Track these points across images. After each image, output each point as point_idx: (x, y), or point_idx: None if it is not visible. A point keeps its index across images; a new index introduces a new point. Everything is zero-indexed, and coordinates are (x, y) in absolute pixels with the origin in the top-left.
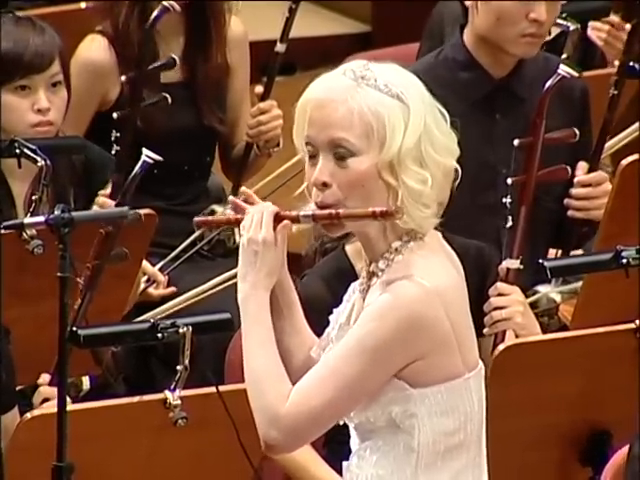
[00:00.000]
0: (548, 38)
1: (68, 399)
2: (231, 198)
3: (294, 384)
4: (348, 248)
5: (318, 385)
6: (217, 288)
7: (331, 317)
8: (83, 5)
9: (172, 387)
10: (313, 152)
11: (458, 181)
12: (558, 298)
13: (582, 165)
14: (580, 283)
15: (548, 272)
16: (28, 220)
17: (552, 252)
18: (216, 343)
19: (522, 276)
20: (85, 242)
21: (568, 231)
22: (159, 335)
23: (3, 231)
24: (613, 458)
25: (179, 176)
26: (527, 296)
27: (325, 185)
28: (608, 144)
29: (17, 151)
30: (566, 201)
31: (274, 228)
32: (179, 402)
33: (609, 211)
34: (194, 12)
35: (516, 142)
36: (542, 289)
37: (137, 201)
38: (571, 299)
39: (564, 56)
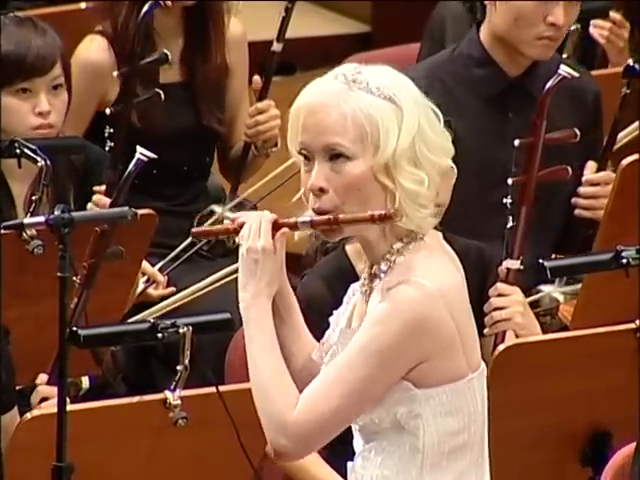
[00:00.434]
0: None
1: (68, 399)
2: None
3: (297, 387)
4: (348, 248)
5: (325, 392)
6: (215, 285)
7: (331, 319)
8: (83, 5)
9: (172, 387)
10: (308, 158)
11: (466, 179)
12: (561, 298)
13: (591, 164)
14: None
15: (548, 272)
16: (28, 220)
17: None
18: (216, 343)
19: (526, 277)
20: (82, 241)
21: (574, 233)
22: (159, 335)
23: (3, 231)
24: (613, 458)
25: (178, 176)
26: (530, 295)
27: (322, 190)
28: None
29: (17, 151)
30: (574, 200)
31: (272, 236)
32: (179, 402)
33: (609, 211)
34: (193, 13)
35: (517, 142)
36: (545, 288)
37: (136, 201)
38: (573, 299)
39: (564, 56)
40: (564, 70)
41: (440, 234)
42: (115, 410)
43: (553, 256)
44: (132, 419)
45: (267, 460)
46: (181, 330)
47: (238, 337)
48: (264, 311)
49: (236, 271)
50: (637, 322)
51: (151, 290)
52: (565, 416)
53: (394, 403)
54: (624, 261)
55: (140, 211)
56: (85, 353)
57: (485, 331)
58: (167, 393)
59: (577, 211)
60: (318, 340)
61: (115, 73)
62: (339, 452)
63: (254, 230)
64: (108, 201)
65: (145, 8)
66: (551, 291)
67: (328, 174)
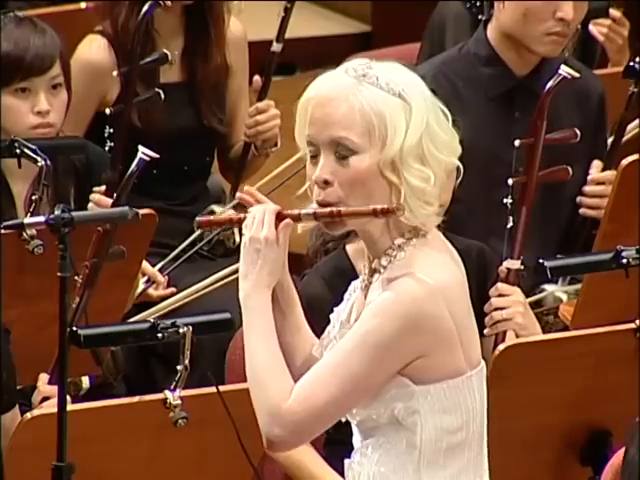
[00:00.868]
0: None
1: (68, 399)
2: (240, 195)
3: (296, 382)
4: (349, 248)
5: (321, 382)
6: (216, 285)
7: (332, 316)
8: (83, 5)
9: (172, 387)
10: (314, 151)
11: (471, 177)
12: (564, 297)
13: (596, 163)
14: None
15: (548, 272)
16: (28, 220)
17: None
18: (216, 343)
19: (530, 277)
20: (83, 241)
21: (579, 233)
22: (159, 335)
23: (3, 231)
24: (613, 458)
25: (179, 176)
26: (533, 294)
27: (327, 183)
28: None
29: (17, 151)
30: (579, 199)
31: (276, 227)
32: (179, 402)
33: (609, 211)
34: (194, 13)
35: (517, 143)
36: (549, 288)
37: (137, 201)
38: (576, 299)
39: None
40: (564, 70)
41: (441, 234)
42: (115, 410)
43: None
44: (132, 419)
45: (267, 460)
46: (181, 330)
47: (238, 337)
48: (264, 300)
49: (236, 271)
50: (637, 322)
51: (151, 290)
52: (565, 416)
53: (392, 399)
54: (624, 261)
55: (140, 211)
56: (85, 353)
57: (485, 331)
58: (167, 393)
59: (582, 210)
60: (319, 338)
61: (115, 73)
62: (338, 451)
63: (257, 220)
64: (109, 200)
65: (145, 8)
66: (554, 290)
67: (334, 167)
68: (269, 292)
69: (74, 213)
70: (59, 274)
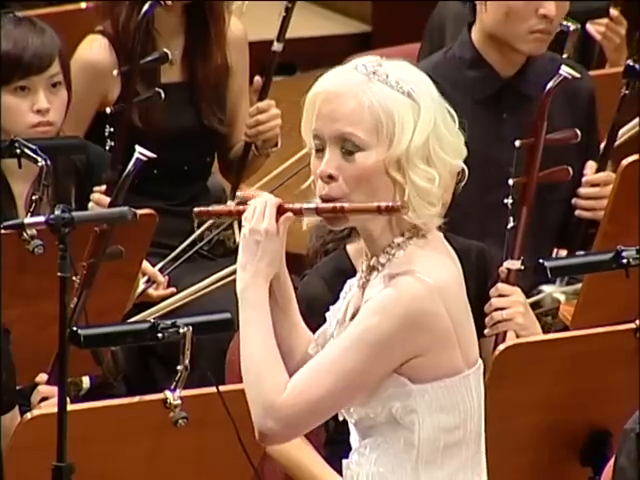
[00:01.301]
0: None
1: (68, 399)
2: (242, 194)
3: (291, 378)
4: (349, 248)
5: (316, 376)
6: (215, 285)
7: (328, 314)
8: (83, 5)
9: (172, 387)
10: (320, 145)
11: (465, 181)
12: (562, 298)
13: (591, 164)
14: None
15: (548, 272)
16: (28, 220)
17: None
18: (216, 343)
19: (527, 276)
20: (82, 241)
21: (574, 232)
22: (159, 335)
23: (3, 231)
24: (613, 458)
25: (179, 176)
26: (532, 295)
27: (331, 178)
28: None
29: (17, 151)
30: (574, 201)
31: (276, 220)
32: (179, 402)
33: (609, 211)
34: (194, 13)
35: (517, 143)
36: (547, 289)
37: (137, 201)
38: (575, 299)
39: (564, 56)
40: (565, 71)
41: (441, 234)
42: (115, 410)
43: (554, 254)
44: (132, 419)
45: (267, 460)
46: (181, 330)
47: (238, 337)
48: (261, 293)
49: (236, 272)
50: (637, 322)
51: (151, 290)
52: (565, 416)
53: (389, 398)
54: (624, 261)
55: (140, 211)
56: (85, 353)
57: (486, 331)
58: (167, 393)
59: (577, 212)
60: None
61: (115, 72)
62: (339, 451)
63: (258, 212)
64: (109, 200)
65: (145, 7)
66: (552, 291)
67: (339, 162)
68: (267, 284)
69: (74, 213)
70: (59, 274)
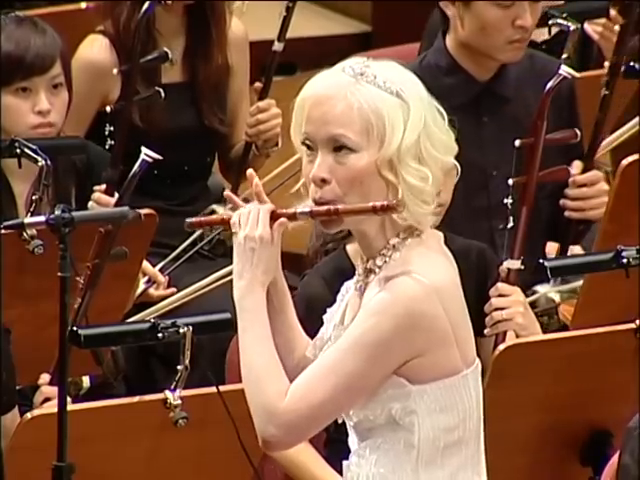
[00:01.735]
0: (547, 38)
1: (68, 399)
2: (227, 193)
3: (290, 382)
4: (349, 248)
5: (317, 381)
6: (215, 284)
7: (325, 317)
8: (84, 5)
9: (172, 387)
10: (311, 149)
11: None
12: (557, 298)
13: (577, 164)
14: (578, 282)
15: (548, 272)
16: (28, 220)
17: (550, 245)
18: (216, 343)
19: (520, 275)
20: (85, 241)
21: (564, 228)
22: (159, 335)
23: (3, 231)
24: (613, 458)
25: (180, 176)
26: (526, 296)
27: (324, 181)
28: (606, 141)
29: (18, 151)
30: (562, 202)
31: (270, 226)
32: (179, 402)
33: (609, 211)
34: (195, 13)
35: (517, 143)
36: (541, 289)
37: (137, 201)
38: (570, 299)
39: (565, 56)
40: (565, 70)
41: (441, 234)
42: (115, 410)
43: (548, 251)
44: (132, 419)
45: (267, 460)
46: (181, 330)
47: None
48: (259, 300)
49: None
50: (637, 322)
51: (152, 290)
52: (565, 416)
53: (388, 399)
54: (624, 261)
55: (141, 211)
56: (86, 353)
57: (486, 331)
58: (167, 393)
59: (567, 213)
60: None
61: (115, 70)
62: (339, 451)
63: (252, 219)
64: (109, 199)
65: (145, 6)
66: (547, 291)
67: (331, 165)
68: (264, 291)
69: (74, 213)
70: (59, 274)
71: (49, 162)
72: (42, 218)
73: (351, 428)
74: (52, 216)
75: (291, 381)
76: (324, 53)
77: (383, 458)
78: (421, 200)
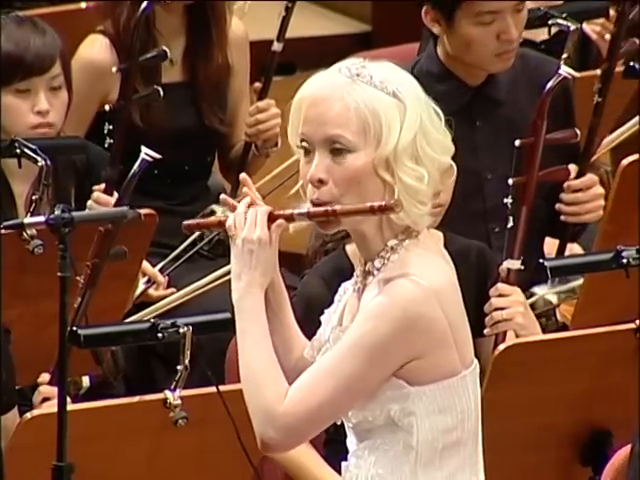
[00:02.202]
0: (546, 38)
1: (68, 399)
2: (223, 196)
3: (288, 383)
4: (348, 248)
5: (316, 384)
6: (214, 283)
7: (322, 318)
8: (83, 5)
9: (172, 387)
10: (308, 150)
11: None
12: (555, 299)
13: (572, 168)
14: (577, 282)
15: (548, 271)
16: (28, 220)
17: (548, 242)
18: (216, 343)
19: (520, 278)
20: (84, 241)
21: (561, 228)
22: (159, 335)
23: (3, 231)
24: (613, 458)
25: (180, 176)
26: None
27: (321, 182)
28: (606, 140)
29: (17, 151)
30: (557, 206)
31: (268, 227)
32: (179, 402)
33: (609, 211)
34: (195, 13)
35: (517, 142)
36: (539, 291)
37: (137, 201)
38: (569, 299)
39: (565, 56)
40: (565, 70)
41: (441, 235)
42: (115, 410)
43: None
44: (132, 419)
45: (267, 460)
46: (181, 330)
47: None
48: (257, 302)
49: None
50: (637, 322)
51: (151, 291)
52: (565, 416)
53: (387, 400)
54: (624, 261)
55: (141, 211)
56: (85, 353)
57: (485, 331)
58: (167, 393)
59: (563, 217)
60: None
61: (114, 68)
62: (338, 451)
63: (250, 220)
64: (108, 198)
65: (144, 4)
66: (544, 293)
67: (329, 166)
68: (262, 293)
69: (74, 213)
70: (59, 274)
71: (49, 162)
72: (42, 218)
73: (350, 429)
74: (52, 216)
75: (289, 381)
76: (324, 53)
77: (382, 459)
78: (417, 200)
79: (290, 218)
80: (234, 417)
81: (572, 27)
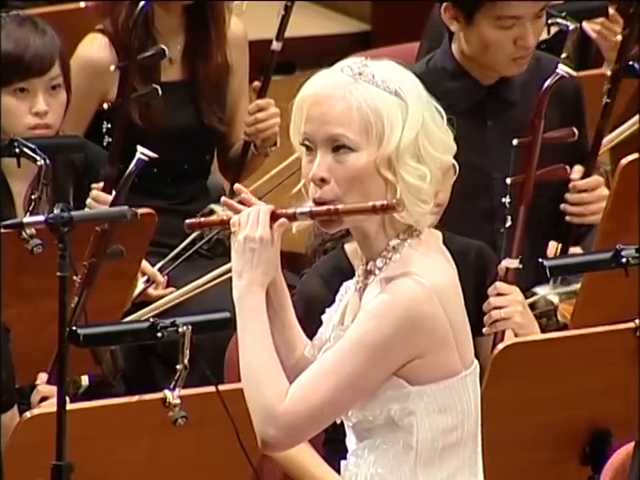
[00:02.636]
0: (546, 37)
1: (67, 398)
2: (224, 199)
3: (289, 382)
4: (347, 247)
5: (317, 383)
6: (213, 282)
7: (324, 317)
8: (83, 4)
9: (172, 386)
10: (311, 149)
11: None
12: (556, 300)
13: (578, 169)
14: (578, 284)
15: (548, 271)
16: (27, 219)
17: (551, 245)
18: (216, 342)
19: (521, 275)
20: (82, 240)
21: (566, 229)
22: (159, 334)
23: (3, 230)
24: (613, 457)
25: (179, 175)
26: (525, 297)
27: (323, 181)
28: (606, 139)
29: (16, 150)
30: (562, 206)
31: (270, 226)
32: (179, 401)
33: (609, 211)
34: (194, 12)
35: (515, 142)
36: (540, 291)
37: (137, 200)
38: (568, 300)
39: (564, 55)
40: (562, 70)
41: (440, 234)
42: (115, 409)
43: (549, 252)
44: (132, 418)
45: (267, 460)
46: (180, 329)
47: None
48: (258, 300)
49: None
50: (637, 321)
51: (151, 290)
52: (565, 415)
53: (387, 400)
54: (624, 260)
55: (140, 210)
56: (85, 352)
57: (484, 330)
58: (167, 392)
59: (567, 217)
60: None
61: (112, 66)
62: (338, 451)
63: (252, 219)
64: (107, 196)
65: (142, 3)
66: (546, 293)
67: (331, 165)
68: (263, 292)
69: (73, 212)
70: (58, 273)
71: (48, 161)
72: (41, 217)
73: (349, 428)
74: (51, 215)
75: (290, 381)
76: (323, 52)
77: (381, 458)
78: (419, 199)
79: (292, 217)
80: (233, 417)
81: (571, 26)
